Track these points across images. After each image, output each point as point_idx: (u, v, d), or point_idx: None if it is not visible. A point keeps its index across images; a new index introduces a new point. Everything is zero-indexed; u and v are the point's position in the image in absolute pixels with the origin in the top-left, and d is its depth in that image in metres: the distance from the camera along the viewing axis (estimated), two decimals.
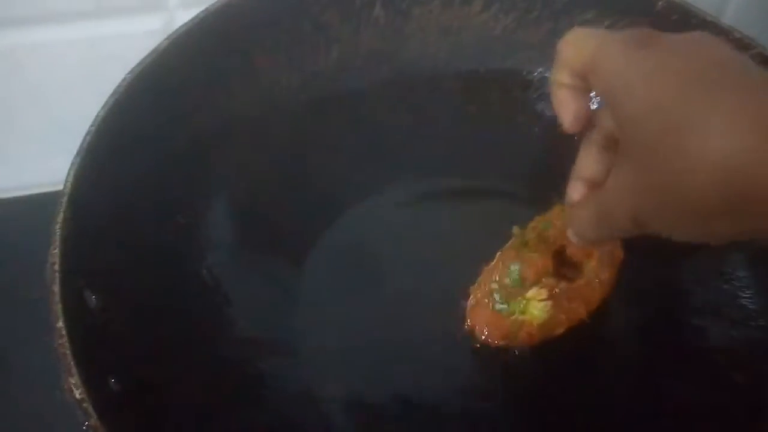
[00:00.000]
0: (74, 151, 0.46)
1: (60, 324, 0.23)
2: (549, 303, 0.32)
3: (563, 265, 0.34)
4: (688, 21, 0.37)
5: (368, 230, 0.37)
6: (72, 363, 0.22)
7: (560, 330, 0.32)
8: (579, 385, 0.33)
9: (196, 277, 0.31)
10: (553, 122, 0.41)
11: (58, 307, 0.23)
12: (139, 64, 0.31)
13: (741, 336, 0.33)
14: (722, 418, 0.30)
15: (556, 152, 0.40)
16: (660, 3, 0.37)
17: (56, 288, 0.24)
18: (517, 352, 0.33)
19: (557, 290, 0.32)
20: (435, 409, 0.32)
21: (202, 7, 0.41)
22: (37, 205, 0.47)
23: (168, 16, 0.42)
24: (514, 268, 0.32)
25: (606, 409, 0.32)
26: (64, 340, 0.23)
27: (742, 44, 0.35)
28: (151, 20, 0.42)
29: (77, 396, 0.22)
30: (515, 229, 0.34)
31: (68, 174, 0.27)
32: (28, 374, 0.35)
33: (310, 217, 0.36)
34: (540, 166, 0.40)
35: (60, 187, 0.46)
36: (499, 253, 0.34)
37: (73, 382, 0.22)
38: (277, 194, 0.36)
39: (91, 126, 0.29)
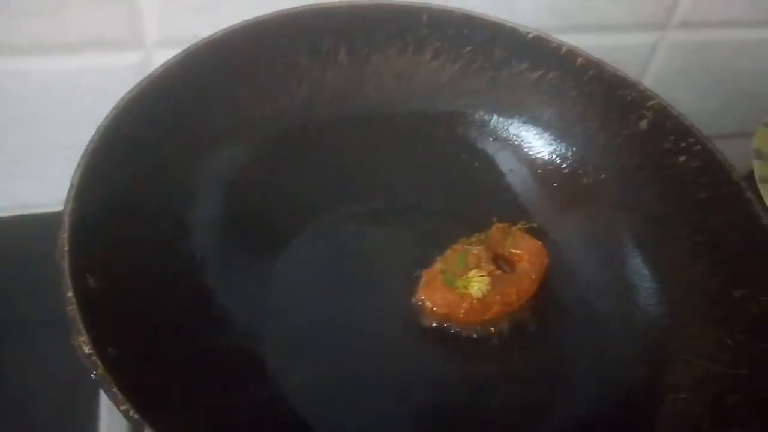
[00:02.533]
0: (48, 176, 0.50)
1: (69, 294, 0.27)
2: (487, 279, 0.38)
3: (500, 264, 0.41)
4: (602, 75, 0.44)
5: (326, 240, 0.42)
6: (81, 325, 0.26)
7: (495, 308, 0.38)
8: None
9: (183, 265, 0.35)
10: (491, 158, 0.47)
11: (67, 280, 0.27)
12: (136, 85, 0.35)
13: (646, 337, 0.39)
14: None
15: (492, 183, 0.47)
16: (580, 59, 0.44)
17: (65, 264, 0.28)
18: (459, 331, 0.39)
19: (495, 273, 0.39)
20: (388, 388, 0.37)
21: (177, 46, 0.46)
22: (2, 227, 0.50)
23: (145, 54, 0.47)
24: (461, 255, 0.39)
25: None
26: (74, 307, 0.26)
27: (645, 96, 0.43)
28: (129, 56, 0.46)
29: (86, 351, 0.25)
30: (461, 240, 0.41)
31: (75, 173, 0.31)
32: None
33: (278, 226, 0.41)
34: (478, 194, 0.46)
35: (31, 210, 0.50)
36: (449, 250, 0.40)
37: (82, 339, 0.26)
38: (251, 205, 0.41)
39: (95, 133, 0.33)
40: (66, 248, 0.28)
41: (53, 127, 0.49)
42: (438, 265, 0.40)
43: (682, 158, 0.41)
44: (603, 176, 0.44)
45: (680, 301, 0.39)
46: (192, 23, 0.46)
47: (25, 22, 0.43)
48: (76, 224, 0.29)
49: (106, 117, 0.34)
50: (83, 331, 0.26)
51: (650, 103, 0.42)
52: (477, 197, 0.46)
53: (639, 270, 0.41)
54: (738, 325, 0.36)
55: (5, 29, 0.43)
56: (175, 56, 0.38)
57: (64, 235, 0.28)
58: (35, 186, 0.51)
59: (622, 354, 0.38)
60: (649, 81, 0.62)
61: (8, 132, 0.48)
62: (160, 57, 0.47)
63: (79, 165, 0.31)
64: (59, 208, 0.50)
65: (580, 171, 0.45)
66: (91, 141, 0.32)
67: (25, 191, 0.52)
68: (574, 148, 0.45)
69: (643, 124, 0.42)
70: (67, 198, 0.30)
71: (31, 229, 0.50)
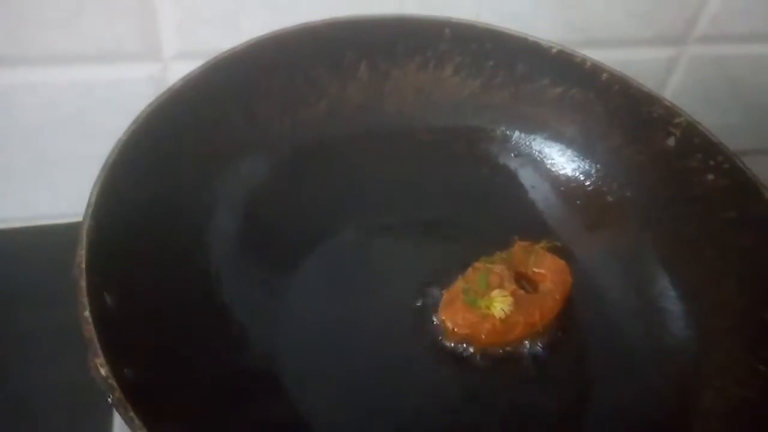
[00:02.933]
0: (60, 188, 0.50)
1: (87, 313, 0.26)
2: (510, 299, 0.37)
3: (523, 283, 0.40)
4: (627, 91, 0.43)
5: (345, 255, 0.42)
6: (98, 345, 0.25)
7: (518, 329, 0.37)
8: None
9: (199, 281, 0.35)
10: (513, 174, 0.47)
11: (84, 299, 0.26)
12: (156, 99, 0.35)
13: (675, 361, 0.38)
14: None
15: (514, 200, 0.46)
16: (604, 75, 0.43)
17: (83, 282, 0.27)
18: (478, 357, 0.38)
19: (518, 293, 0.38)
20: (406, 409, 0.36)
21: (194, 59, 0.46)
22: (19, 237, 0.50)
23: (162, 66, 0.46)
24: (483, 274, 0.38)
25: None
26: (90, 326, 0.26)
27: (671, 112, 0.42)
28: (145, 68, 0.46)
29: (103, 373, 0.25)
30: (482, 258, 0.40)
31: (93, 189, 0.30)
32: None
33: (295, 241, 0.40)
34: (500, 211, 0.45)
35: (44, 222, 0.50)
36: (470, 268, 0.39)
37: (99, 361, 0.25)
38: (268, 219, 0.40)
39: (114, 147, 0.32)
40: (83, 266, 0.27)
41: (68, 138, 0.49)
42: (459, 284, 0.39)
43: (710, 177, 0.40)
44: (628, 194, 0.43)
45: (709, 324, 0.38)
46: (210, 36, 0.46)
47: (41, 33, 0.42)
48: (94, 241, 0.29)
49: (125, 131, 0.33)
50: (100, 353, 0.25)
51: (677, 119, 0.41)
52: (498, 214, 0.45)
53: (666, 291, 0.40)
54: None
55: (20, 40, 0.42)
56: (194, 70, 0.37)
57: (82, 253, 0.28)
58: (50, 197, 0.51)
59: (649, 378, 0.37)
60: (668, 95, 0.61)
61: (23, 143, 0.48)
62: (177, 69, 0.47)
63: (97, 180, 0.31)
64: (74, 219, 0.50)
65: (604, 188, 0.44)
66: (109, 155, 0.32)
67: (39, 202, 0.52)
68: (597, 165, 0.45)
69: (670, 141, 0.41)
70: (85, 215, 0.29)
71: (46, 240, 0.50)
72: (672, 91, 0.60)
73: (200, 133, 0.37)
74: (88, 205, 0.30)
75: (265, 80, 0.41)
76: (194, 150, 0.37)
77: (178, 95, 0.36)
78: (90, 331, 0.25)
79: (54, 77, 0.45)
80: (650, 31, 0.56)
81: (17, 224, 0.51)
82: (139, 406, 0.25)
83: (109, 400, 0.24)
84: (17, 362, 0.43)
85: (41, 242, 0.50)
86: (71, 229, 0.49)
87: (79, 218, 0.51)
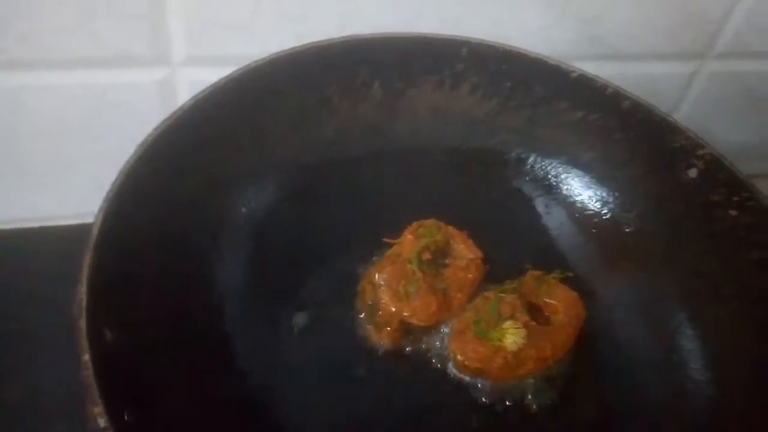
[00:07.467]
0: (71, 188, 0.49)
1: (86, 357, 0.25)
2: (524, 331, 0.36)
3: (534, 314, 0.38)
4: (650, 119, 0.41)
5: (349, 277, 0.40)
6: (97, 393, 0.24)
7: (530, 364, 0.36)
8: None
9: (202, 311, 0.34)
10: (527, 198, 0.45)
11: (84, 341, 0.25)
12: (164, 121, 0.34)
13: (692, 405, 0.37)
14: None
15: (527, 226, 0.45)
16: (626, 102, 0.41)
17: (82, 323, 0.26)
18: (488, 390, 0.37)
19: (530, 325, 0.37)
20: None
21: (203, 64, 0.45)
22: (25, 238, 0.50)
23: (170, 71, 0.46)
24: (494, 303, 0.37)
25: None
26: (90, 372, 0.25)
27: (695, 144, 0.40)
28: (155, 72, 0.46)
29: (102, 425, 0.24)
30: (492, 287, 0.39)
31: (96, 218, 0.29)
32: None
33: (300, 261, 0.40)
34: (512, 236, 0.44)
35: (51, 223, 0.49)
36: (479, 297, 0.38)
37: (97, 411, 0.24)
38: (274, 243, 0.39)
39: (118, 177, 0.31)
40: (84, 304, 0.26)
41: (77, 140, 0.48)
42: (469, 314, 0.38)
43: (732, 212, 0.38)
44: (646, 225, 0.42)
45: (728, 367, 0.36)
46: (219, 42, 0.45)
47: (54, 36, 0.42)
48: (96, 276, 0.28)
49: (130, 157, 0.32)
50: (99, 401, 0.24)
51: (701, 152, 0.40)
52: (510, 239, 0.43)
53: (683, 329, 0.39)
54: None
55: (34, 43, 0.42)
56: (204, 90, 0.36)
57: (82, 290, 0.27)
58: (58, 198, 0.51)
59: (664, 424, 0.36)
60: (685, 109, 0.59)
61: (33, 145, 0.47)
62: (186, 74, 0.46)
63: (100, 210, 0.30)
64: (81, 221, 0.50)
65: (621, 218, 0.43)
66: (113, 184, 0.31)
67: (48, 203, 0.51)
68: (615, 193, 0.43)
69: (692, 172, 0.40)
70: (87, 247, 0.28)
71: (52, 240, 0.50)
72: (689, 105, 0.59)
73: (207, 156, 0.36)
74: (90, 237, 0.29)
75: (276, 100, 0.40)
76: (200, 175, 0.36)
77: (186, 116, 0.34)
78: (89, 377, 0.24)
79: (66, 80, 0.44)
80: (671, 45, 0.54)
81: (23, 225, 0.51)
82: None
83: None
84: (20, 362, 0.42)
85: (46, 243, 0.50)
86: (75, 231, 0.50)
87: (84, 220, 0.51)
